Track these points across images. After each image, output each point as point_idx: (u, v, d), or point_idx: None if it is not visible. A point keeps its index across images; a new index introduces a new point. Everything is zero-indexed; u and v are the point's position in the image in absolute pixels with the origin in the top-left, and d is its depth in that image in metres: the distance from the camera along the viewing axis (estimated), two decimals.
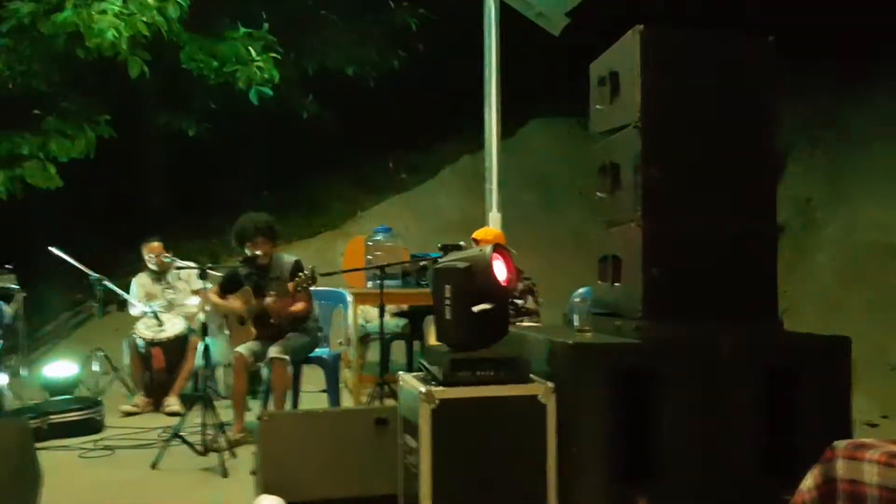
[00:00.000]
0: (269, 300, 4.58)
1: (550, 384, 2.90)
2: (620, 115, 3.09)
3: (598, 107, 3.31)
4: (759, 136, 3.12)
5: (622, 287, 3.11)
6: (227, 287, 4.89)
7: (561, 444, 2.87)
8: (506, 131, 6.70)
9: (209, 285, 4.84)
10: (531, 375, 2.98)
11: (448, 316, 2.98)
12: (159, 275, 6.06)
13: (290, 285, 4.50)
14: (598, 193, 3.26)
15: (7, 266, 6.17)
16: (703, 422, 2.86)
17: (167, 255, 5.88)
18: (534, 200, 10.01)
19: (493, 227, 5.72)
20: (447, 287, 2.99)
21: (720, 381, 2.88)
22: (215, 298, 4.91)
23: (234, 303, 4.81)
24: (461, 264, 2.95)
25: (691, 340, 2.91)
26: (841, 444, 2.05)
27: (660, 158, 2.95)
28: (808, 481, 2.09)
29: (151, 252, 5.97)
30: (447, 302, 2.97)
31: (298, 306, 4.64)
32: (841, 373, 2.94)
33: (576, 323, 3.35)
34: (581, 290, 3.83)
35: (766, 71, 3.12)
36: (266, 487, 3.33)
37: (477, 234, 5.01)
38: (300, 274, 4.50)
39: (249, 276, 4.81)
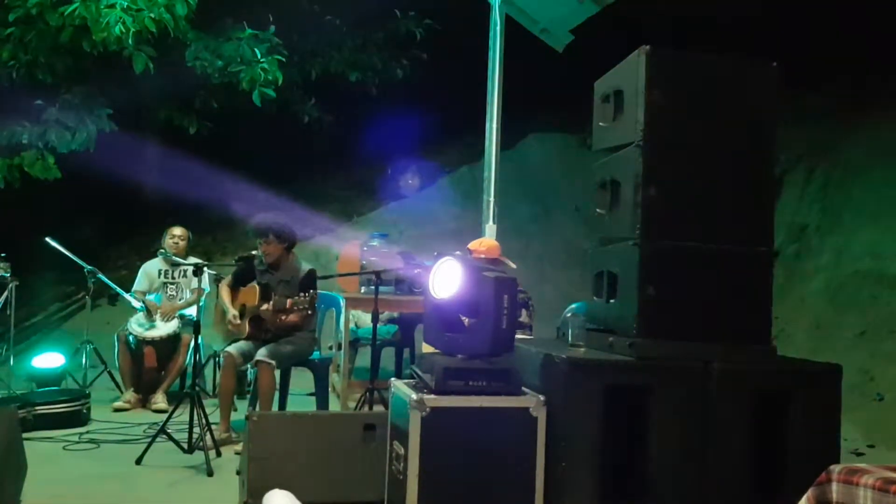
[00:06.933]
0: (264, 307, 4.61)
1: (542, 397, 2.91)
2: (623, 133, 3.12)
3: (600, 124, 3.34)
4: (758, 160, 3.16)
5: (617, 304, 3.13)
6: (241, 278, 4.95)
7: (550, 458, 2.88)
8: (505, 144, 6.72)
9: (206, 286, 4.84)
10: (523, 388, 2.99)
11: None
12: (169, 267, 6.04)
13: (290, 302, 4.51)
14: (598, 210, 3.28)
15: (0, 255, 6.15)
16: (693, 442, 2.88)
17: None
18: (528, 213, 10.05)
19: (489, 238, 5.74)
20: None
21: (712, 402, 2.90)
22: (224, 291, 4.96)
23: (231, 308, 4.84)
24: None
25: (684, 360, 2.94)
26: (836, 468, 2.06)
27: (660, 179, 2.98)
28: None
29: (174, 237, 5.98)
30: None
31: (292, 318, 4.65)
32: (830, 400, 2.96)
33: (569, 337, 3.36)
34: (574, 305, 3.84)
35: (768, 97, 3.17)
36: (251, 488, 3.32)
37: (472, 245, 5.02)
38: (303, 294, 4.52)
39: (262, 274, 4.84)
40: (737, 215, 3.09)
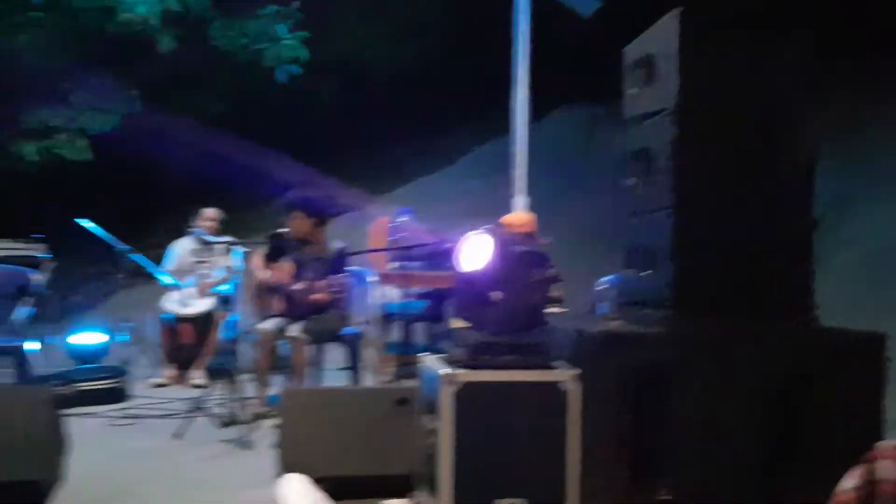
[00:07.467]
0: (297, 286, 4.64)
1: (574, 371, 2.89)
2: (655, 99, 3.04)
3: (631, 91, 3.26)
4: (795, 130, 3.06)
5: (651, 277, 3.07)
6: (273, 255, 4.97)
7: (583, 431, 2.86)
8: (531, 116, 6.64)
9: (237, 263, 4.89)
10: (556, 362, 2.97)
11: None
12: (201, 246, 6.09)
13: (322, 284, 4.54)
14: (629, 180, 3.22)
15: (37, 235, 6.26)
16: (730, 415, 2.83)
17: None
18: (555, 186, 9.93)
19: (522, 212, 5.68)
20: None
21: (749, 376, 2.84)
22: (256, 260, 4.98)
23: (264, 273, 4.87)
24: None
25: (719, 334, 2.88)
26: (885, 445, 2.01)
27: (695, 146, 2.90)
28: (850, 482, 2.05)
29: (207, 219, 6.03)
30: None
31: (321, 297, 4.68)
32: (874, 370, 2.88)
33: (602, 311, 3.33)
34: (607, 278, 3.80)
35: (803, 66, 3.06)
36: (285, 462, 3.35)
37: (506, 219, 4.95)
38: (335, 277, 4.53)
39: (294, 251, 4.87)
40: (774, 185, 3.00)
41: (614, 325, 3.13)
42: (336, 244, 4.88)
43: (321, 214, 4.86)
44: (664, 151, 2.95)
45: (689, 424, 2.83)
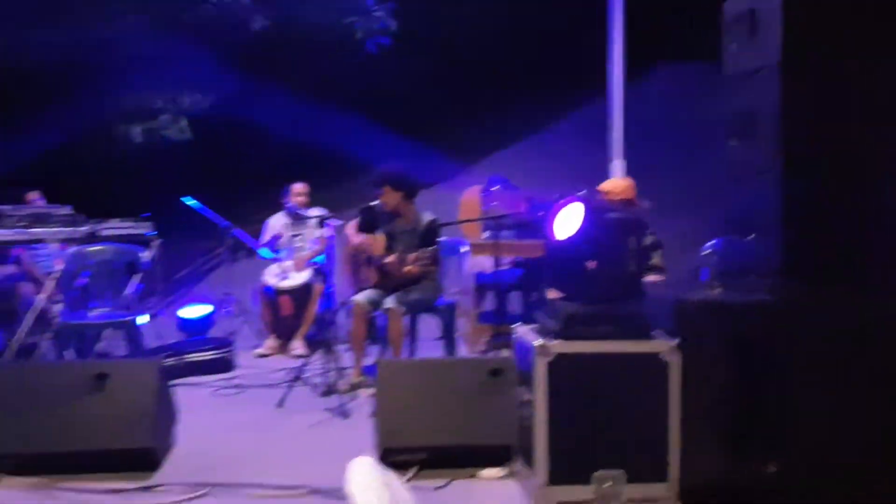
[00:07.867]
0: (389, 258, 4.67)
1: (674, 342, 2.78)
2: (758, 56, 2.84)
3: (732, 47, 3.06)
4: None
5: (756, 242, 2.90)
6: (364, 227, 5.03)
7: (683, 403, 2.76)
8: (630, 75, 6.40)
9: (327, 233, 4.97)
10: (655, 332, 2.87)
11: None
12: (293, 219, 6.24)
13: (413, 257, 4.54)
14: (732, 141, 3.04)
15: (144, 214, 6.55)
16: (837, 388, 2.65)
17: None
18: (657, 149, 9.58)
19: (617, 176, 5.50)
20: None
21: (859, 347, 2.65)
22: (350, 231, 5.05)
23: (363, 242, 4.93)
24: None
25: (829, 303, 2.69)
26: None
27: (802, 105, 2.70)
28: None
29: (296, 194, 6.19)
30: None
31: (412, 269, 4.68)
32: None
33: (705, 278, 3.19)
34: (711, 244, 3.63)
35: None
36: (382, 432, 3.40)
37: (604, 186, 4.79)
38: (426, 250, 4.53)
39: (385, 223, 4.91)
40: (890, 143, 2.76)
41: (716, 292, 2.99)
42: (426, 216, 4.88)
43: (409, 187, 4.86)
44: (768, 111, 2.76)
45: (796, 398, 2.67)
